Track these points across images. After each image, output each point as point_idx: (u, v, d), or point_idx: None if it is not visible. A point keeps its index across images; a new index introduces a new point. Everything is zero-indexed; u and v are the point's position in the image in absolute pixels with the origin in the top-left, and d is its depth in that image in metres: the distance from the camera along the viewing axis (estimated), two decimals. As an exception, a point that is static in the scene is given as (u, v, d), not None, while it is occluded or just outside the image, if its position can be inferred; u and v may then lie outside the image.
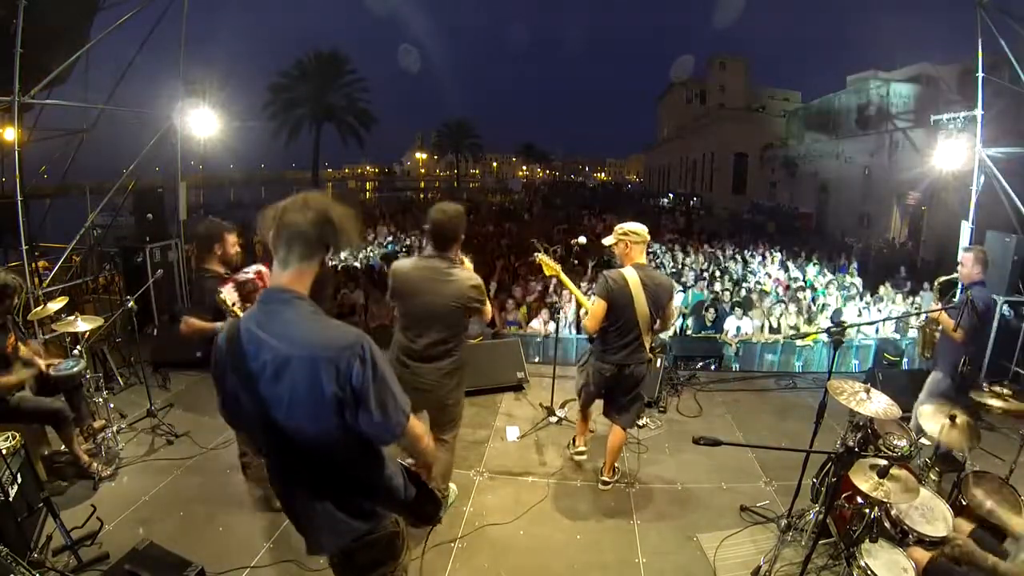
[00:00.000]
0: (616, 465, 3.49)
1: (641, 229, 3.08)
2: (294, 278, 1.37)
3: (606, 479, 3.44)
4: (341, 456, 1.41)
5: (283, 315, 1.34)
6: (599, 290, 3.04)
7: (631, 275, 2.99)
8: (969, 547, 2.10)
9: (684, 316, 7.52)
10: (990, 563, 2.02)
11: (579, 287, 4.41)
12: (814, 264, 11.24)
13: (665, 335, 5.43)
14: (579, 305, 3.27)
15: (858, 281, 9.70)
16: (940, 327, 3.65)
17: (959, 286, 3.81)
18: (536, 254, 3.76)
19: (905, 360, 6.15)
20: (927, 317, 4.04)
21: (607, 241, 3.20)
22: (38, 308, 3.94)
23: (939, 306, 3.79)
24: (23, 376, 3.13)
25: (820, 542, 2.42)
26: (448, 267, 2.61)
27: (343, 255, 9.85)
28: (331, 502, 1.44)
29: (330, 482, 1.43)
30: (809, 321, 7.37)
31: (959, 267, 3.65)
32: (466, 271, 2.68)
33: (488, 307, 2.74)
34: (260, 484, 3.09)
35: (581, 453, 3.72)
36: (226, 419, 1.51)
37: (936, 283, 4.00)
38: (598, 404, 3.46)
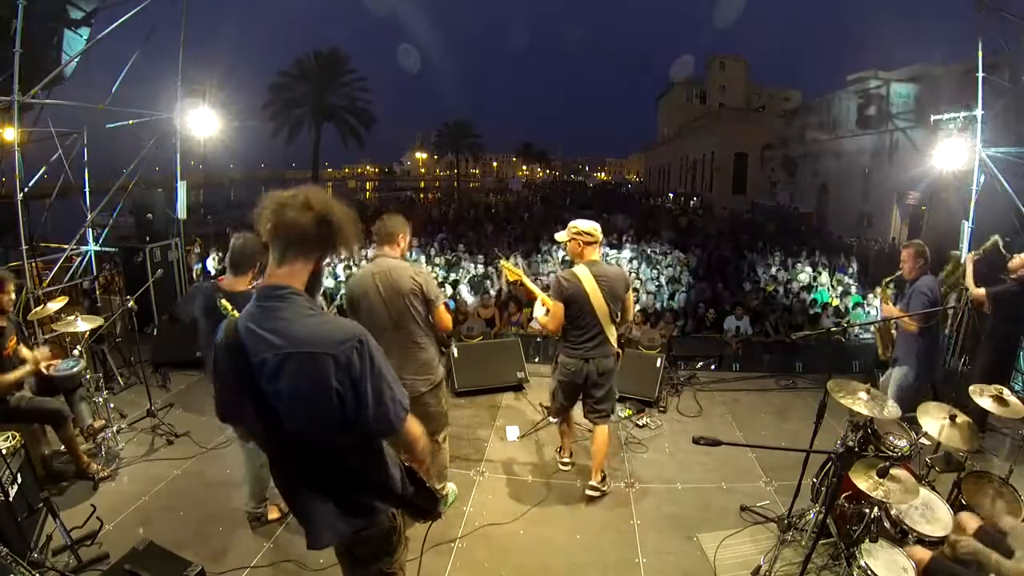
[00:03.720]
0: (606, 471, 3.36)
1: (594, 228, 3.10)
2: (290, 273, 1.36)
3: (594, 483, 3.29)
4: (340, 452, 1.42)
5: (280, 312, 1.33)
6: (554, 292, 3.10)
7: (583, 272, 3.03)
8: (973, 546, 2.09)
9: (685, 315, 7.53)
10: (994, 560, 2.02)
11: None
12: (821, 269, 11.14)
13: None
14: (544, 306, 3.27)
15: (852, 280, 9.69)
16: (897, 324, 3.72)
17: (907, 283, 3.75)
18: (499, 261, 3.78)
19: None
20: (880, 319, 4.11)
21: (559, 236, 3.21)
22: (38, 308, 3.94)
23: (889, 304, 3.89)
24: (20, 373, 3.08)
25: (820, 542, 2.41)
26: (388, 259, 2.74)
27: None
28: (330, 497, 1.45)
29: (329, 477, 1.44)
30: (811, 321, 7.38)
31: (901, 264, 3.67)
32: (410, 264, 2.81)
33: (442, 309, 2.79)
34: None
35: (567, 464, 3.63)
36: (220, 416, 1.51)
37: (883, 282, 4.04)
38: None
